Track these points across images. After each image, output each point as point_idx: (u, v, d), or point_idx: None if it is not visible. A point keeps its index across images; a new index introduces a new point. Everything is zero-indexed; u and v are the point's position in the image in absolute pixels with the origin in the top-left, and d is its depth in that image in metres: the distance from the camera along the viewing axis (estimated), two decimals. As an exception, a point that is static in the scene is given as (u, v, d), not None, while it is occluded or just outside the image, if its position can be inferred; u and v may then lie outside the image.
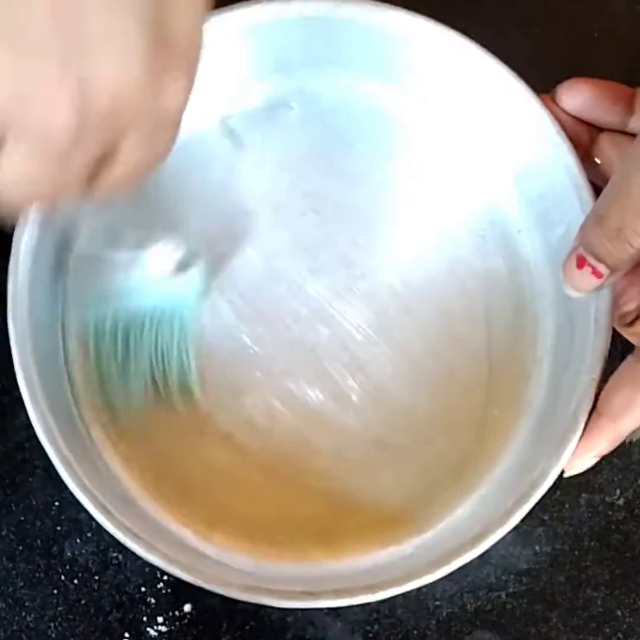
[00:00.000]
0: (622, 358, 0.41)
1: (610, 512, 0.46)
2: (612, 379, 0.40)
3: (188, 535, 0.43)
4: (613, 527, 0.46)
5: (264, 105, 0.47)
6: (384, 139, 0.47)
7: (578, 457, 0.41)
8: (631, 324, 0.42)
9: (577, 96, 0.42)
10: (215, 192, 0.47)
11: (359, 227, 0.47)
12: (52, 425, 0.40)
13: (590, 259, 0.38)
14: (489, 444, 0.45)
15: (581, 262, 0.38)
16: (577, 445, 0.41)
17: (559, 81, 0.43)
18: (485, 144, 0.47)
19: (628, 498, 0.47)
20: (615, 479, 0.47)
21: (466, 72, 0.45)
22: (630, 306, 0.41)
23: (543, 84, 0.44)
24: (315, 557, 0.43)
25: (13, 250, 0.42)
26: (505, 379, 0.45)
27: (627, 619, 0.46)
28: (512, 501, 0.40)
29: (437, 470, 0.45)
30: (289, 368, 0.45)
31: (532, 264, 0.46)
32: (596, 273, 0.38)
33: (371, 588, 0.40)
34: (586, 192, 0.43)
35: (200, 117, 0.46)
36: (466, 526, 0.42)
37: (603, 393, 0.40)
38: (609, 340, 0.41)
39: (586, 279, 0.38)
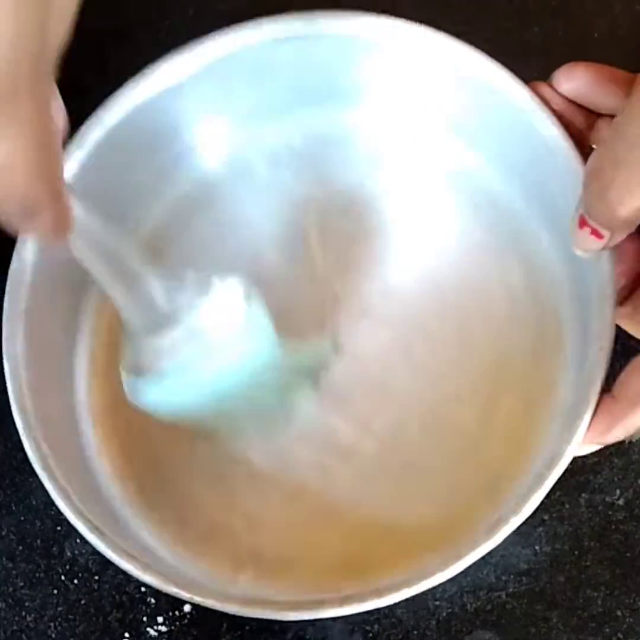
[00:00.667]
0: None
1: (610, 512, 0.46)
2: (631, 364, 0.39)
3: (213, 579, 0.42)
4: (613, 527, 0.46)
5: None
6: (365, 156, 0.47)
7: (590, 441, 0.39)
8: (621, 304, 0.41)
9: (574, 80, 0.42)
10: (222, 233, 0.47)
11: (361, 253, 0.46)
12: (65, 486, 0.39)
13: (591, 222, 0.38)
14: (522, 455, 0.43)
15: (582, 222, 0.38)
16: (589, 428, 0.38)
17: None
18: (475, 143, 0.46)
19: (628, 498, 0.47)
20: (615, 479, 0.47)
21: (443, 65, 0.43)
22: (618, 285, 0.41)
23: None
24: (347, 589, 0.41)
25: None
26: (533, 386, 0.44)
27: (627, 619, 0.46)
28: (526, 486, 0.39)
29: (470, 489, 0.43)
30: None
31: (547, 261, 0.45)
32: (597, 234, 0.38)
33: (379, 592, 0.38)
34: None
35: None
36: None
37: (620, 377, 0.39)
38: (615, 307, 0.40)
39: (589, 239, 0.39)
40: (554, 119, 0.42)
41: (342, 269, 0.46)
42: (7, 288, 0.41)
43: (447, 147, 0.46)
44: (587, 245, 0.39)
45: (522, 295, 0.45)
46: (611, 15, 0.52)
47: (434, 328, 0.45)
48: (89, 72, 0.47)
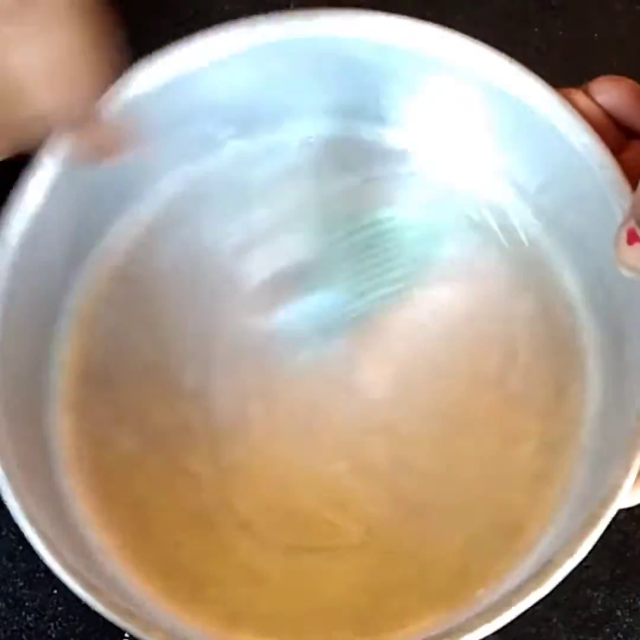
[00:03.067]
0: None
1: (610, 512, 0.46)
2: None
3: (206, 636, 0.38)
4: (613, 527, 0.46)
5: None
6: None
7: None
8: None
9: (612, 92, 0.39)
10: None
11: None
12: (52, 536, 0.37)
13: None
14: (543, 498, 0.40)
15: (632, 238, 0.34)
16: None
17: (558, 82, 0.43)
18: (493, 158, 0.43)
19: (628, 498, 0.47)
20: (615, 479, 0.47)
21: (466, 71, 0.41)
22: None
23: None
24: None
25: None
26: (555, 424, 0.41)
27: (627, 619, 0.46)
28: (576, 532, 0.35)
29: (487, 534, 0.40)
30: (304, 441, 0.41)
31: (568, 297, 0.42)
32: None
33: None
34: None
35: None
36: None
37: None
38: None
39: (638, 255, 0.34)
40: (587, 126, 0.38)
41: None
42: None
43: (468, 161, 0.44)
44: (636, 262, 0.34)
45: (540, 327, 0.42)
46: (611, 15, 0.52)
47: (443, 362, 0.42)
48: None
